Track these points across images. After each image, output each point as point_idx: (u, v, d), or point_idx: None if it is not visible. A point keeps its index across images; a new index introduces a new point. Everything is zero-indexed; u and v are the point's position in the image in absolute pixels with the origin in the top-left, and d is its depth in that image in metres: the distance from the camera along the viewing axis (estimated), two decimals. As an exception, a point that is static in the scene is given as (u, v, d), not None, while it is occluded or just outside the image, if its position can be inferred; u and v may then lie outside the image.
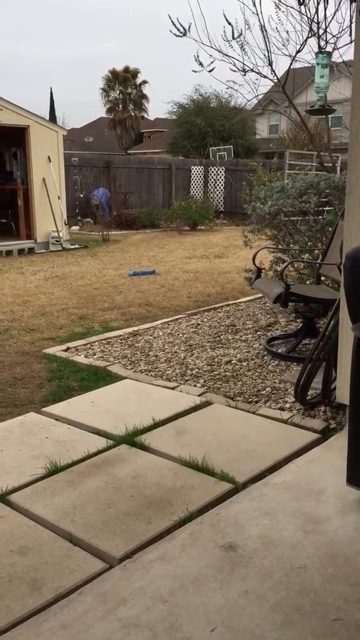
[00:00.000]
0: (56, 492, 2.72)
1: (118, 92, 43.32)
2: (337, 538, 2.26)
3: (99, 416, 3.56)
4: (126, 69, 42.81)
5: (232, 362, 4.52)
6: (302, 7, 5.62)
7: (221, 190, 19.61)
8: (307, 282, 5.74)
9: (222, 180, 19.59)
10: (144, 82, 43.56)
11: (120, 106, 43.29)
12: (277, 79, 6.12)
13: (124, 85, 43.05)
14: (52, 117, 39.04)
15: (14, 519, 2.53)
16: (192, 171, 20.09)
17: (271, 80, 6.07)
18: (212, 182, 19.82)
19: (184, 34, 6.12)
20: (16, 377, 4.34)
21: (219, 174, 19.72)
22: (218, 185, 19.70)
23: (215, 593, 1.99)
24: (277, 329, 5.42)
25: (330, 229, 5.37)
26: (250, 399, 3.82)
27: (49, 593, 2.07)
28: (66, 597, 2.03)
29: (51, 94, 43.76)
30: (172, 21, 6.01)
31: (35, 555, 2.28)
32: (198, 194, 19.51)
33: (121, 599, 1.98)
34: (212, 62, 5.94)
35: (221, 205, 19.29)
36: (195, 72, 6.03)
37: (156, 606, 1.94)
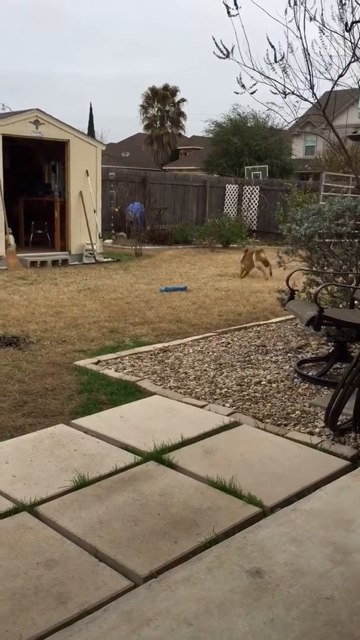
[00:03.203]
0: (83, 506, 2.73)
1: (156, 109, 43.93)
2: (366, 570, 2.22)
3: (128, 431, 3.57)
4: (165, 87, 43.41)
5: (262, 383, 4.50)
6: (347, 32, 5.64)
7: (255, 209, 19.65)
8: (340, 306, 5.69)
9: (257, 199, 19.63)
10: (182, 100, 44.13)
11: (158, 123, 43.86)
12: (318, 102, 6.13)
13: (162, 102, 43.64)
14: (91, 132, 39.70)
15: (41, 531, 2.54)
16: (227, 189, 20.18)
17: (312, 103, 6.09)
18: (246, 201, 19.88)
19: (227, 56, 6.19)
20: (47, 388, 4.39)
21: (253, 193, 19.77)
22: (252, 204, 19.74)
23: (240, 619, 1.97)
24: (307, 352, 5.38)
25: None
26: (279, 422, 3.79)
27: (75, 608, 2.07)
28: (91, 614, 2.03)
29: (90, 109, 44.39)
30: (215, 43, 6.08)
31: (61, 569, 2.29)
32: (232, 212, 19.57)
33: (146, 619, 1.97)
34: (254, 85, 5.98)
35: (254, 224, 19.32)
36: (238, 93, 6.07)
37: (181, 629, 1.93)
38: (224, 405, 4.05)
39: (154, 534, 2.51)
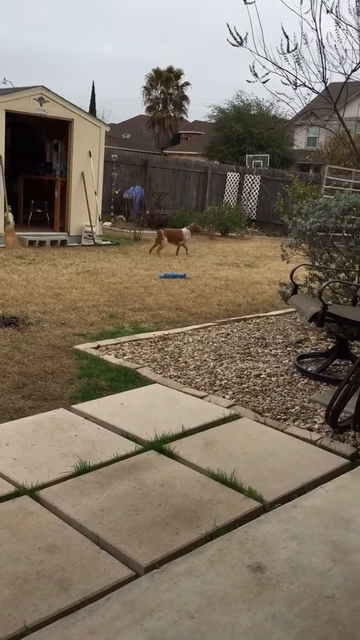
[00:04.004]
0: (85, 493, 2.73)
1: (160, 91, 43.50)
2: (366, 570, 2.25)
3: (128, 419, 3.57)
4: (170, 69, 42.96)
5: (262, 376, 4.51)
6: (363, 26, 5.59)
7: (255, 198, 19.59)
8: (341, 302, 5.70)
9: (257, 188, 19.57)
10: (186, 83, 43.72)
11: (161, 105, 43.46)
12: (330, 97, 6.10)
13: (166, 85, 43.20)
14: (92, 111, 39.32)
15: (42, 516, 2.55)
16: (228, 177, 20.08)
17: (324, 97, 6.05)
18: (247, 190, 19.80)
19: (240, 44, 6.13)
20: (47, 371, 4.38)
21: (254, 182, 19.69)
22: (252, 193, 19.67)
23: (242, 614, 1.99)
24: (307, 346, 5.40)
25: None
26: (279, 416, 3.81)
27: (76, 595, 2.08)
28: (93, 602, 2.04)
29: (93, 88, 44.23)
30: (230, 30, 6.01)
31: (63, 555, 2.30)
32: (231, 201, 19.50)
33: (148, 610, 1.99)
34: (267, 74, 5.93)
35: (254, 214, 19.26)
36: (250, 82, 6.02)
37: (183, 621, 1.94)
38: (224, 397, 4.06)
39: (155, 524, 2.52)
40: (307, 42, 6.09)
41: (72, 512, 2.57)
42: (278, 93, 6.62)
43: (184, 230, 11.69)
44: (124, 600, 2.04)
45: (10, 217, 11.05)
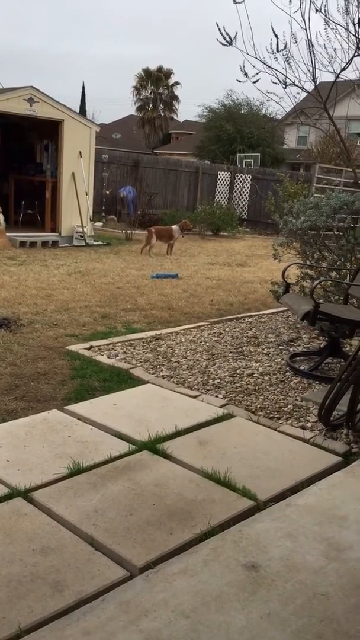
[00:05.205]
0: (78, 494, 2.73)
1: (150, 91, 43.43)
2: (360, 567, 2.26)
3: (121, 419, 3.57)
4: (159, 69, 42.89)
5: (254, 375, 4.51)
6: (352, 26, 5.61)
7: (246, 198, 19.61)
8: (332, 300, 5.72)
9: (248, 188, 19.59)
10: (176, 83, 43.66)
11: (151, 105, 43.40)
12: (320, 95, 6.11)
13: (156, 85, 43.14)
14: (83, 111, 39.22)
15: (36, 517, 2.54)
16: (219, 176, 20.09)
17: (314, 96, 6.06)
18: (238, 189, 19.82)
19: (230, 43, 6.13)
20: (39, 372, 4.36)
21: (245, 182, 19.71)
22: (243, 192, 19.69)
23: (237, 613, 1.99)
24: (299, 345, 5.41)
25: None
26: (272, 415, 3.81)
27: (71, 596, 2.08)
28: (88, 603, 2.03)
29: (83, 88, 43.94)
30: (219, 30, 6.01)
31: (57, 557, 2.29)
32: (223, 200, 19.51)
33: (143, 610, 1.99)
34: (257, 74, 5.93)
35: (245, 213, 19.28)
36: (240, 82, 6.03)
37: (178, 621, 1.94)
38: (217, 397, 4.06)
39: (149, 524, 2.52)
40: (296, 42, 6.10)
41: (66, 514, 2.57)
42: (268, 92, 6.63)
43: (174, 227, 11.68)
44: (119, 601, 2.03)
45: (1, 218, 11.01)
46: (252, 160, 23.48)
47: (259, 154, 24.92)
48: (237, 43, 6.21)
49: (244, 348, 5.19)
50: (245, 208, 19.50)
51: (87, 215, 12.31)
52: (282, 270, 5.14)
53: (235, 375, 4.49)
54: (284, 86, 6.46)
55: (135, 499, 2.70)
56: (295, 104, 6.86)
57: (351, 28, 5.75)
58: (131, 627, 1.90)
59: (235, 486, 2.84)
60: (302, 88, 6.26)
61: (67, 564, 2.26)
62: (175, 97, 44.02)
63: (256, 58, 6.20)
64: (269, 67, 6.21)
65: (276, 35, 6.20)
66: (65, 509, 2.60)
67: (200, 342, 5.31)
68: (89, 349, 4.94)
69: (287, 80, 6.34)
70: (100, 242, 12.39)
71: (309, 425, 3.66)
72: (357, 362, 3.36)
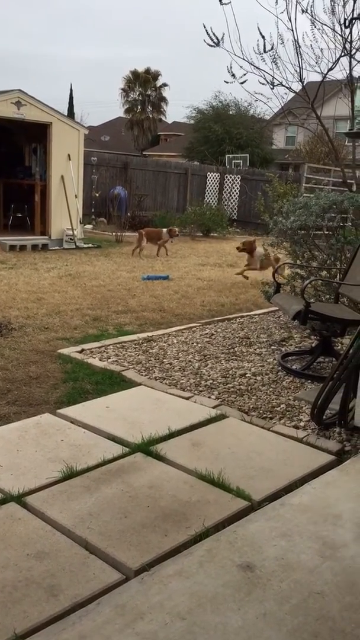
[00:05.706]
0: (72, 497, 2.72)
1: (138, 93, 43.44)
2: (354, 565, 2.26)
3: (114, 422, 3.56)
4: (147, 71, 42.92)
5: (247, 375, 4.52)
6: (338, 26, 5.64)
7: (236, 198, 19.64)
8: (323, 299, 5.74)
9: (238, 188, 19.62)
10: (164, 84, 43.72)
11: (139, 107, 43.40)
12: (308, 96, 6.13)
13: (144, 86, 43.16)
14: (71, 114, 39.19)
15: (30, 522, 2.53)
16: (208, 177, 20.12)
17: (301, 96, 6.08)
18: (228, 190, 19.85)
19: (217, 44, 6.15)
20: (31, 376, 4.35)
21: (234, 182, 19.74)
22: (233, 193, 19.72)
23: (233, 613, 1.99)
24: (291, 345, 5.42)
25: (349, 247, 5.38)
26: (264, 415, 3.82)
27: (66, 601, 2.07)
28: (84, 607, 2.03)
29: (71, 90, 43.94)
30: (206, 31, 6.03)
31: (52, 561, 2.28)
32: (212, 201, 19.53)
33: (139, 613, 1.98)
34: (244, 75, 5.95)
35: (235, 214, 19.31)
36: (228, 82, 6.05)
37: (174, 623, 1.94)
38: (209, 397, 4.06)
39: (144, 527, 2.51)
40: (283, 42, 6.13)
41: (60, 518, 2.56)
42: (256, 93, 6.65)
43: (164, 230, 11.72)
44: (114, 604, 2.03)
45: (-10, 222, 10.97)
46: (241, 161, 23.52)
47: (247, 155, 24.97)
48: (224, 44, 6.24)
49: (236, 348, 5.20)
50: (235, 209, 19.54)
51: (77, 218, 12.29)
52: (272, 270, 5.15)
53: (227, 375, 4.49)
54: (271, 87, 6.48)
55: (130, 502, 2.70)
56: (283, 105, 6.89)
57: (337, 28, 5.78)
58: (127, 630, 1.90)
59: (229, 487, 2.84)
60: (290, 88, 6.29)
61: (61, 568, 2.25)
62: (164, 99, 44.08)
63: (243, 59, 6.23)
64: (257, 67, 6.24)
65: (263, 36, 6.23)
66: (59, 513, 2.59)
67: (192, 343, 5.31)
68: (80, 352, 4.93)
69: (275, 80, 6.38)
70: (90, 245, 12.37)
71: (301, 424, 3.67)
72: (349, 360, 3.37)
